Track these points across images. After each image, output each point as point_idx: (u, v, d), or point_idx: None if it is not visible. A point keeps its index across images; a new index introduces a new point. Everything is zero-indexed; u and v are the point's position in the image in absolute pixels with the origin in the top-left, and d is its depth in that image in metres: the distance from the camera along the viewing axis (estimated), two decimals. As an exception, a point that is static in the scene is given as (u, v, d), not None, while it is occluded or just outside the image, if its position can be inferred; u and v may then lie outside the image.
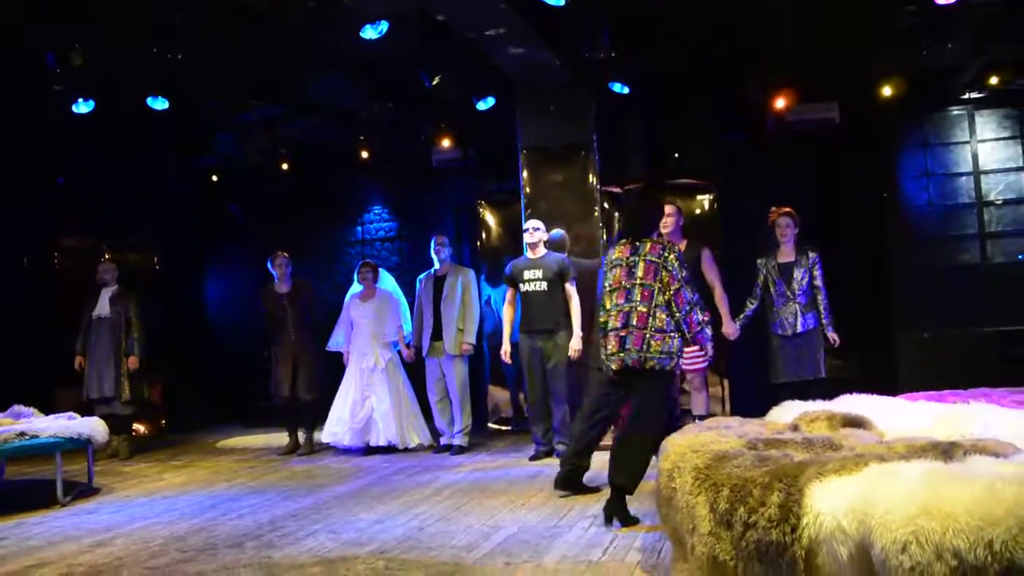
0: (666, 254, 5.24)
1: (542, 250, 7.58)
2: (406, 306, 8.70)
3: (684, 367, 7.38)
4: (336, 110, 9.60)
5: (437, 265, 8.30)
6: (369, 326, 8.42)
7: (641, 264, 5.26)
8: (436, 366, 8.18)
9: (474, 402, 9.91)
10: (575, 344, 7.44)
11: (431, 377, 8.23)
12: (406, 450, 8.32)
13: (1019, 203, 9.08)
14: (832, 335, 7.10)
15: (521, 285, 7.50)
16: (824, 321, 7.11)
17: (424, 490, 6.43)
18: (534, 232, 7.55)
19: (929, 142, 9.40)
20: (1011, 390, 4.98)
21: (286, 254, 8.77)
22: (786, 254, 7.26)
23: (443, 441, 8.32)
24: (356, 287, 8.69)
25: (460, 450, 8.10)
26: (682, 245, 7.51)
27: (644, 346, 5.12)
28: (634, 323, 5.17)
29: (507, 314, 7.70)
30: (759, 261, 7.36)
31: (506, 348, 7.64)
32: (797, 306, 7.13)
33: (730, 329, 7.41)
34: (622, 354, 5.20)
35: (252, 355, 8.67)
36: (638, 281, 5.25)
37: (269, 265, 8.71)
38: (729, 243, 8.75)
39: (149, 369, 9.25)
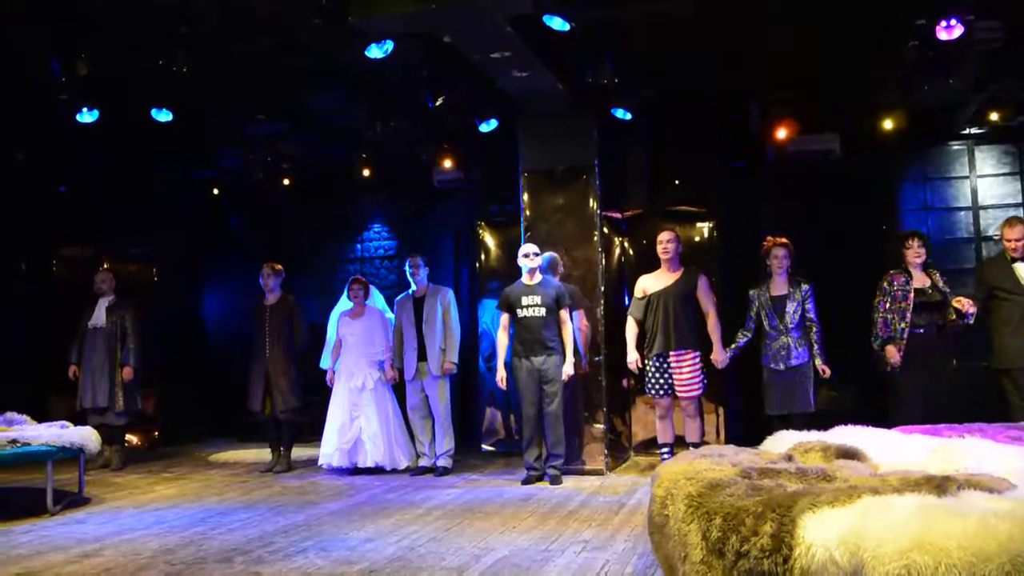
0: None
1: (539, 275, 7.61)
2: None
3: (679, 394, 7.40)
4: (339, 127, 9.62)
5: (414, 286, 8.27)
6: (358, 345, 8.38)
7: None
8: (419, 388, 8.14)
9: (468, 424, 9.93)
10: (568, 369, 7.45)
11: (414, 398, 8.18)
12: (394, 471, 8.28)
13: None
14: (823, 367, 7.08)
15: (518, 311, 7.51)
16: (816, 353, 7.10)
17: (415, 510, 6.41)
18: (533, 257, 7.57)
19: (929, 176, 9.45)
20: (1006, 425, 4.97)
21: (276, 266, 8.73)
22: (779, 286, 7.25)
23: (423, 463, 8.26)
24: (345, 304, 8.68)
25: (444, 472, 8.05)
26: (679, 272, 7.54)
27: None
28: None
29: (502, 340, 7.70)
30: (752, 292, 7.36)
31: (501, 374, 7.64)
32: (790, 339, 7.12)
33: (720, 357, 7.42)
34: None
35: (247, 369, 8.65)
36: None
37: (259, 278, 8.70)
38: (726, 272, 8.77)
39: (144, 380, 9.24)
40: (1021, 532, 2.37)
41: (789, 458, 4.06)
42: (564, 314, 7.51)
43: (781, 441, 4.66)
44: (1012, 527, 2.40)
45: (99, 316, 8.96)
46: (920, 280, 7.09)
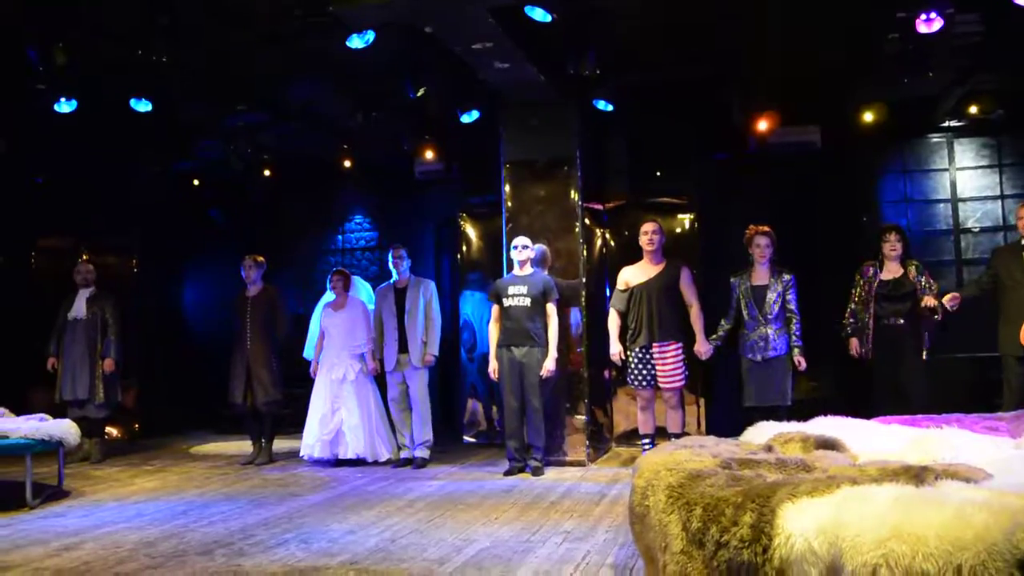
0: None
1: (529, 268, 7.61)
2: None
3: (661, 385, 7.42)
4: (320, 118, 9.58)
5: (396, 277, 8.24)
6: (339, 336, 8.36)
7: None
8: (400, 379, 8.12)
9: (450, 415, 9.92)
10: (549, 364, 7.45)
11: (394, 390, 8.16)
12: (376, 463, 8.28)
13: (995, 231, 9.18)
14: (799, 359, 7.10)
15: (505, 300, 7.51)
16: (795, 344, 7.13)
17: (397, 502, 6.41)
18: (523, 250, 7.57)
19: (908, 168, 9.50)
20: (983, 416, 5.02)
21: (258, 258, 8.69)
22: (760, 276, 7.26)
23: (405, 455, 8.25)
24: (329, 296, 8.66)
25: (422, 463, 8.03)
26: (662, 264, 7.55)
27: None
28: None
29: (493, 331, 7.70)
30: (733, 280, 7.37)
31: (493, 365, 7.63)
32: (769, 330, 7.14)
33: (703, 348, 7.44)
34: None
35: (228, 361, 8.61)
36: None
37: (240, 269, 8.67)
38: (708, 263, 8.79)
39: (124, 372, 9.18)
40: (997, 521, 2.39)
41: (769, 449, 4.09)
42: (550, 308, 7.52)
43: (761, 432, 4.68)
44: (988, 517, 2.42)
45: (79, 308, 8.90)
46: (891, 272, 7.16)
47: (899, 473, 3.22)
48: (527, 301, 7.46)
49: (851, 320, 7.31)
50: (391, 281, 8.26)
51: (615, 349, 7.57)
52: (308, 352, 8.70)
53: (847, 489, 2.88)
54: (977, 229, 9.24)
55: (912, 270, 7.14)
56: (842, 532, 2.60)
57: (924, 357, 7.05)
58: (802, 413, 5.46)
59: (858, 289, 7.29)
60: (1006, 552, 2.30)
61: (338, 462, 8.29)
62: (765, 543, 2.81)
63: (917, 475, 3.17)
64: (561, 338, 7.66)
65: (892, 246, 7.18)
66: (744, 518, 2.90)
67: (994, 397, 7.17)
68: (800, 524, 2.76)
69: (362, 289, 8.83)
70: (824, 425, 4.67)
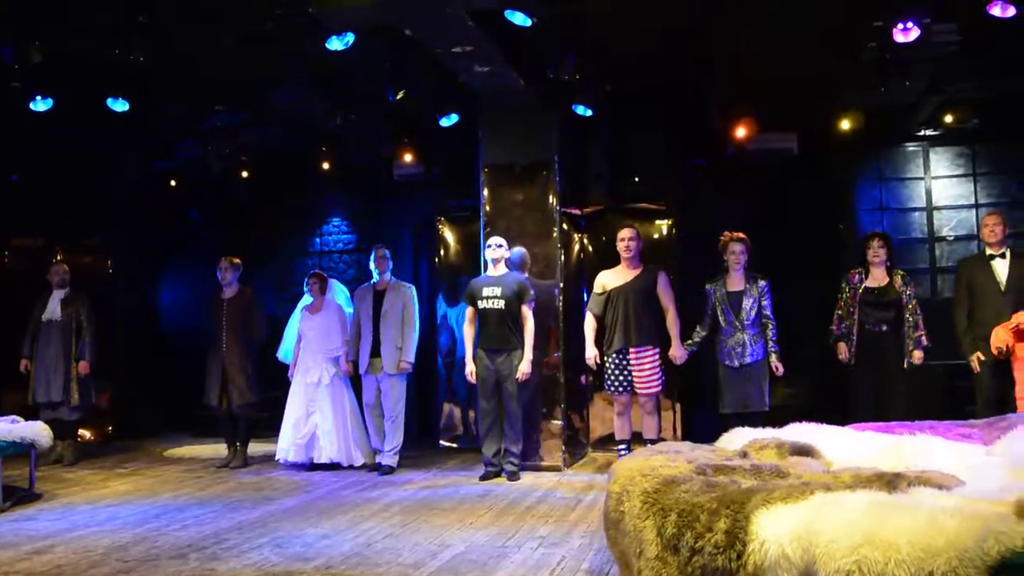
0: None
1: (503, 268, 7.59)
2: None
3: (638, 390, 7.43)
4: (299, 119, 9.54)
5: (376, 278, 8.15)
6: (315, 340, 8.30)
7: None
8: (374, 383, 8.00)
9: (426, 419, 9.89)
10: (524, 367, 7.43)
11: (369, 395, 8.04)
12: (351, 468, 8.22)
13: (969, 239, 9.25)
14: (776, 364, 7.14)
15: (479, 302, 7.49)
16: (771, 350, 7.16)
17: (372, 506, 6.38)
18: (496, 248, 7.56)
19: (884, 176, 9.57)
20: (956, 423, 5.05)
21: (234, 260, 8.62)
22: (735, 282, 7.29)
23: (379, 460, 8.11)
24: (307, 298, 8.62)
25: (389, 470, 7.91)
26: (639, 269, 7.56)
27: None
28: None
29: (468, 333, 7.68)
30: (708, 287, 7.39)
31: (470, 368, 7.59)
32: (745, 336, 7.16)
33: (678, 353, 7.45)
34: None
35: (204, 363, 8.55)
36: None
37: (217, 272, 8.61)
38: (686, 269, 8.81)
39: (98, 373, 9.11)
40: (969, 528, 2.41)
41: (744, 455, 4.10)
42: (525, 310, 7.49)
43: (736, 438, 4.70)
44: (960, 523, 2.44)
45: (54, 309, 8.81)
46: (876, 279, 7.23)
47: (872, 480, 3.24)
48: (501, 304, 7.43)
49: (838, 325, 7.36)
50: (371, 282, 8.19)
51: (590, 353, 7.57)
52: (284, 354, 8.64)
53: (821, 496, 2.89)
54: (952, 237, 9.31)
55: (898, 280, 7.21)
56: (816, 538, 2.61)
57: (905, 365, 7.10)
58: (778, 420, 5.47)
59: (844, 295, 7.35)
60: (977, 559, 2.32)
61: (313, 466, 8.24)
62: (739, 549, 2.82)
63: (890, 482, 3.19)
64: (537, 344, 7.64)
65: (875, 252, 7.25)
66: (719, 524, 2.91)
67: (967, 404, 7.23)
68: (774, 530, 2.77)
69: (339, 293, 8.77)
70: (799, 432, 4.69)
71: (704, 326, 7.38)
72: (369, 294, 8.12)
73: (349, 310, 8.48)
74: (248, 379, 8.42)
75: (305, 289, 8.59)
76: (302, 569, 4.63)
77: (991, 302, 6.93)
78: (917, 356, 7.04)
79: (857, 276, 7.32)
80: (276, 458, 8.34)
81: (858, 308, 7.22)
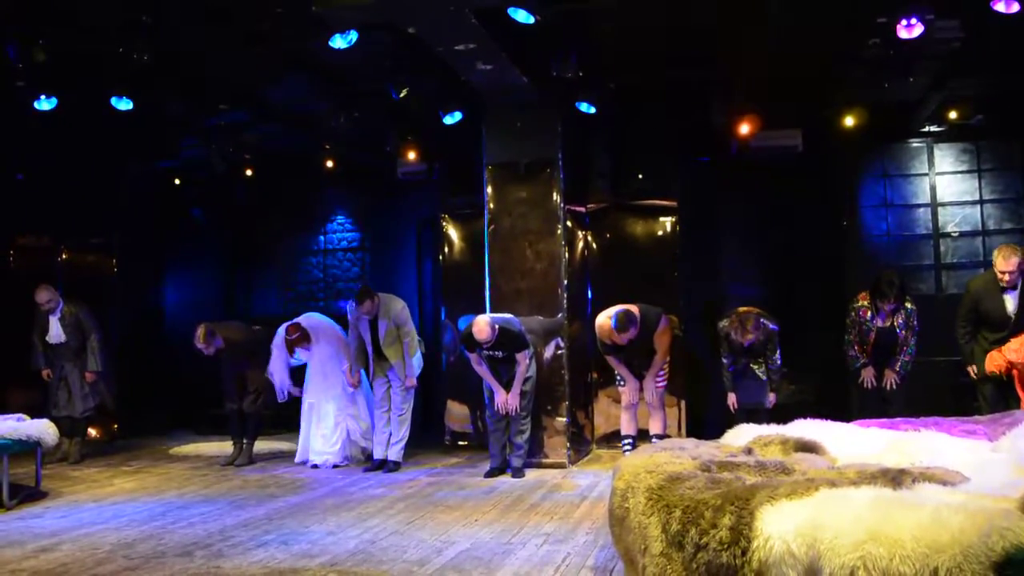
0: None
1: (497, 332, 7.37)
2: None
3: (644, 386, 7.43)
4: (302, 118, 9.54)
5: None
6: (326, 361, 8.37)
7: None
8: (385, 381, 8.00)
9: (432, 416, 9.89)
10: (511, 400, 7.41)
11: (379, 391, 8.06)
12: (357, 464, 8.23)
13: (974, 236, 9.24)
14: (771, 396, 7.25)
15: (480, 351, 7.41)
16: (772, 391, 7.25)
17: (378, 503, 6.39)
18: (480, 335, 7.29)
19: (889, 173, 9.55)
20: (961, 419, 5.06)
21: (205, 332, 8.34)
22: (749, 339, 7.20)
23: (378, 457, 8.03)
24: (298, 356, 8.52)
25: (395, 467, 7.89)
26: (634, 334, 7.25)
27: None
28: None
29: (483, 372, 7.55)
30: (721, 326, 7.28)
31: (502, 398, 7.45)
32: (755, 366, 7.24)
33: (650, 387, 7.41)
34: None
35: (208, 361, 8.55)
36: None
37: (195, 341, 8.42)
38: (689, 264, 8.81)
39: (105, 374, 9.13)
40: (973, 524, 2.41)
41: (749, 451, 4.11)
42: (519, 356, 7.40)
43: (741, 434, 4.71)
44: (964, 520, 2.44)
45: (56, 333, 8.79)
46: (886, 319, 7.18)
47: (877, 476, 3.24)
48: (502, 354, 7.41)
49: (854, 355, 7.30)
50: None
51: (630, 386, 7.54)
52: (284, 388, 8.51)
53: (825, 492, 2.90)
54: (956, 234, 9.30)
55: (899, 318, 7.12)
56: (820, 534, 2.61)
57: (885, 384, 7.10)
58: (783, 416, 5.48)
59: (854, 329, 7.26)
60: (982, 554, 2.33)
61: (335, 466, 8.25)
62: (744, 545, 2.83)
63: (895, 478, 3.19)
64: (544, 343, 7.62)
65: (891, 297, 7.07)
66: (723, 520, 2.91)
67: (971, 400, 7.22)
68: (779, 526, 2.78)
69: (323, 326, 8.63)
70: (803, 428, 4.70)
71: (729, 376, 7.31)
72: (363, 322, 7.91)
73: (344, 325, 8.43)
74: (262, 381, 8.44)
75: (295, 353, 8.45)
76: (307, 566, 4.64)
77: (995, 327, 6.89)
78: (888, 375, 7.10)
79: (868, 313, 7.17)
80: (299, 459, 8.38)
81: (871, 345, 7.18)
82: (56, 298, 8.79)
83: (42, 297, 8.72)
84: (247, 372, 8.46)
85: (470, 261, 9.34)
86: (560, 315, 8.13)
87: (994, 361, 6.63)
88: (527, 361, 7.45)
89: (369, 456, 8.20)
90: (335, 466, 8.20)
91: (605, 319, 7.13)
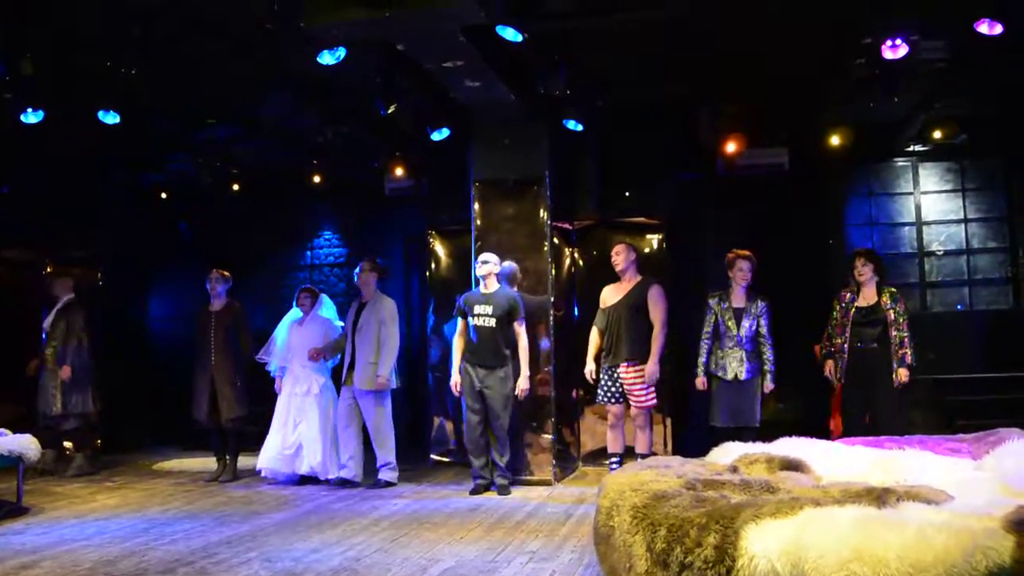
0: None
1: (495, 284, 7.57)
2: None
3: (632, 404, 7.43)
4: (290, 133, 9.54)
5: (363, 292, 8.12)
6: (303, 351, 8.28)
7: None
8: (350, 395, 7.93)
9: (417, 433, 9.86)
10: (523, 383, 7.44)
11: (343, 404, 7.98)
12: (327, 482, 8.10)
13: (959, 254, 9.31)
14: (769, 384, 7.20)
15: (470, 318, 7.48)
16: (767, 369, 7.19)
17: (362, 520, 6.36)
18: (483, 265, 7.54)
19: (874, 191, 9.62)
20: (946, 437, 5.07)
21: (224, 272, 8.64)
22: (738, 298, 7.31)
23: (344, 475, 7.93)
24: (295, 313, 8.59)
25: (387, 485, 7.85)
26: (634, 282, 7.56)
27: None
28: None
29: (458, 345, 7.64)
30: (711, 300, 7.39)
31: (455, 380, 7.58)
32: (742, 353, 7.19)
33: (651, 370, 7.41)
34: None
35: (192, 376, 8.53)
36: None
37: (206, 283, 8.61)
38: (677, 282, 8.83)
39: (91, 384, 9.09)
40: (957, 543, 2.42)
41: (734, 470, 4.11)
42: (518, 327, 7.49)
43: (727, 453, 4.71)
44: (948, 538, 2.44)
45: (48, 322, 8.86)
46: (867, 299, 7.20)
47: (862, 495, 3.24)
48: (492, 322, 7.42)
49: (827, 344, 7.36)
50: (361, 295, 8.20)
51: (589, 367, 7.60)
52: (263, 353, 8.58)
53: (810, 511, 2.90)
54: (941, 252, 9.36)
55: (886, 298, 7.15)
56: (805, 554, 2.61)
57: (896, 385, 7.04)
58: (768, 434, 5.48)
59: (835, 314, 7.32)
60: (965, 574, 2.33)
61: (301, 480, 8.20)
62: (729, 564, 2.82)
63: (879, 497, 3.19)
64: (530, 358, 7.63)
65: (859, 271, 7.21)
66: (708, 539, 2.91)
67: (956, 419, 7.25)
68: (763, 545, 2.77)
69: (328, 307, 8.73)
70: (789, 446, 4.70)
71: (706, 344, 7.35)
72: (353, 308, 8.11)
73: (339, 323, 8.47)
74: (236, 392, 8.40)
75: (295, 303, 8.57)
76: (291, 584, 4.61)
77: None
78: (902, 374, 6.98)
79: (848, 295, 7.29)
80: (257, 467, 8.28)
81: (849, 327, 7.21)
82: (65, 294, 9.04)
83: (56, 288, 9.13)
84: (217, 388, 8.40)
85: (457, 277, 9.33)
86: (548, 333, 8.13)
87: None
88: (525, 335, 7.49)
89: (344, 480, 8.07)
90: (274, 475, 8.23)
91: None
